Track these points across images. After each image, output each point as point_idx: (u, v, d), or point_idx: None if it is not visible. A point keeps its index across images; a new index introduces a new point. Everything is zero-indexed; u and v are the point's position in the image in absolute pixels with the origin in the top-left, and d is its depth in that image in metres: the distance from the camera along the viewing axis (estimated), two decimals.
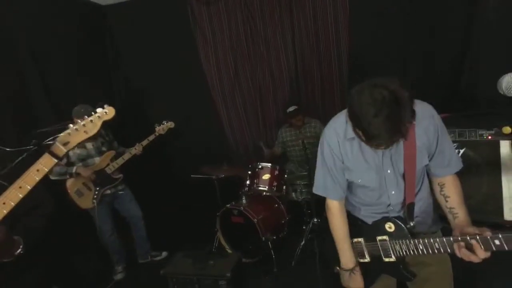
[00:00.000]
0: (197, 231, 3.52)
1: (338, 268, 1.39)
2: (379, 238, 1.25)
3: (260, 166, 2.91)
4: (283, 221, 3.02)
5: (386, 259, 1.24)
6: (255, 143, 3.86)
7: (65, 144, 1.03)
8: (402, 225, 1.21)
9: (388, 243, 1.23)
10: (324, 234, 1.47)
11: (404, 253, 1.19)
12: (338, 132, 1.25)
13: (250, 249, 2.86)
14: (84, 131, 1.06)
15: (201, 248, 3.03)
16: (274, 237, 2.88)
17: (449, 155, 1.22)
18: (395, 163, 1.21)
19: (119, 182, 2.97)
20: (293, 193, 3.02)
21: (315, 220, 2.82)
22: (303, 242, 2.79)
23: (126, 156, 2.92)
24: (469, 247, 1.02)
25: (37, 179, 0.98)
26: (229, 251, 3.00)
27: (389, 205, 1.27)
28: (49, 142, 1.03)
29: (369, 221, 1.33)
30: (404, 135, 1.00)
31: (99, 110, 1.10)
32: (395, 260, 1.22)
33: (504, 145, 1.44)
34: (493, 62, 1.96)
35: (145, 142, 2.99)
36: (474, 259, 1.01)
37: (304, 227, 3.10)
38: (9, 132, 2.75)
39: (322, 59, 3.51)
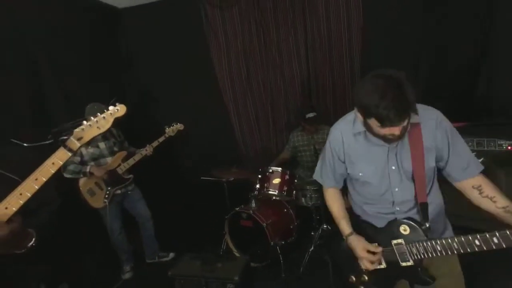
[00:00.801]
0: (204, 233, 3.53)
1: (353, 277, 1.38)
2: (394, 242, 1.24)
3: (270, 170, 2.91)
4: (291, 226, 3.01)
5: (404, 264, 1.22)
6: (266, 145, 3.87)
7: (79, 139, 1.07)
8: (417, 227, 1.20)
9: (405, 246, 1.21)
10: (336, 243, 1.46)
11: (422, 255, 1.18)
12: (343, 129, 1.35)
13: (258, 253, 2.85)
14: (97, 127, 1.11)
15: (208, 250, 3.03)
16: (283, 242, 2.87)
17: (467, 157, 1.23)
18: (400, 160, 1.25)
19: (129, 182, 3.00)
20: (303, 198, 3.00)
21: (325, 226, 2.80)
22: (312, 248, 2.77)
23: (137, 157, 2.95)
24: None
25: (52, 171, 1.03)
26: (237, 254, 2.99)
27: (393, 203, 1.27)
28: (64, 137, 1.06)
29: (379, 223, 1.32)
30: (414, 110, 1.08)
31: (111, 107, 1.14)
32: (413, 264, 1.20)
33: None
34: (510, 72, 1.93)
35: (155, 144, 3.01)
36: None
37: (312, 233, 3.07)
38: (27, 131, 2.81)
39: (334, 65, 3.52)
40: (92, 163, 2.83)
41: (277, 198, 2.96)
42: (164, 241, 3.35)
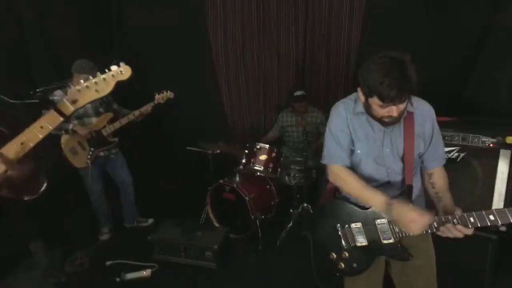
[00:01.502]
0: (185, 203, 3.55)
1: (333, 254, 1.45)
2: (378, 221, 1.31)
3: (258, 147, 2.93)
4: (272, 203, 3.09)
5: (385, 241, 1.30)
6: (255, 122, 3.87)
7: (73, 102, 0.91)
8: None
9: (387, 225, 1.30)
10: (318, 221, 1.52)
11: (403, 234, 1.26)
12: (346, 106, 1.39)
13: (238, 226, 2.92)
14: (96, 90, 0.93)
15: (188, 220, 3.06)
16: (263, 217, 2.95)
17: (440, 150, 1.38)
18: (395, 144, 1.33)
19: (113, 146, 2.94)
20: (286, 177, 3.07)
21: (305, 205, 2.90)
22: (291, 224, 2.87)
23: (124, 121, 2.87)
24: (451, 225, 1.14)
25: (40, 136, 0.90)
26: (217, 225, 3.05)
27: (388, 182, 1.36)
28: (56, 98, 0.96)
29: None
30: (414, 92, 1.18)
31: (113, 68, 0.94)
32: (393, 241, 1.29)
33: (503, 154, 1.51)
34: (502, 72, 2.01)
35: (143, 109, 2.93)
36: (458, 235, 1.14)
37: (291, 211, 3.18)
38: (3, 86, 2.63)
39: (331, 50, 3.51)
40: (76, 121, 2.73)
41: (262, 174, 3.01)
42: (144, 207, 3.35)
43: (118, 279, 2.42)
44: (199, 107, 3.75)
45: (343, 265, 1.43)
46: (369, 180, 1.37)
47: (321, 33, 3.49)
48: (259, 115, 3.88)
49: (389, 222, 1.30)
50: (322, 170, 3.14)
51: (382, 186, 1.37)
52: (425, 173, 1.42)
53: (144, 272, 2.48)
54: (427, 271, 1.40)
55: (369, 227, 1.34)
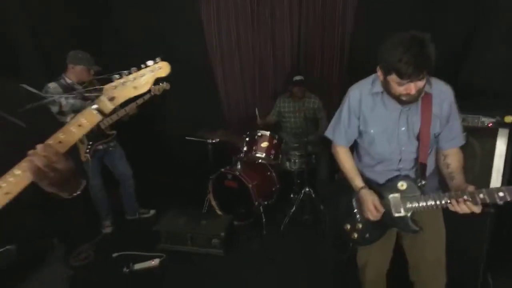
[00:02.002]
0: (186, 193, 3.57)
1: (348, 225, 1.53)
2: (390, 195, 1.39)
3: (259, 134, 2.96)
4: (273, 189, 3.15)
5: (396, 214, 1.37)
6: (251, 110, 3.87)
7: (111, 99, 0.84)
8: (413, 183, 1.36)
9: (400, 199, 1.37)
10: (335, 197, 1.60)
11: (414, 207, 1.33)
12: (362, 89, 1.44)
13: (241, 213, 2.97)
14: (134, 87, 0.85)
15: (190, 209, 3.08)
16: (265, 203, 3.01)
17: (456, 131, 1.40)
18: (411, 123, 1.37)
19: (112, 139, 2.90)
20: (287, 163, 3.12)
21: (307, 189, 2.96)
22: (294, 209, 2.94)
23: (121, 113, 2.82)
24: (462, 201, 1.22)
25: (78, 135, 0.83)
26: (219, 213, 3.09)
27: (399, 160, 1.41)
28: (95, 94, 0.90)
29: (382, 179, 1.46)
30: (431, 70, 1.19)
31: (150, 63, 0.86)
32: (404, 214, 1.36)
33: (501, 133, 1.60)
34: (496, 54, 2.09)
35: (140, 101, 2.89)
36: (466, 210, 1.22)
37: (292, 196, 3.25)
38: None
39: (326, 37, 3.52)
40: (72, 114, 2.67)
41: (263, 162, 3.05)
42: (145, 198, 3.35)
43: (126, 270, 2.44)
44: (195, 97, 3.72)
45: (356, 236, 1.52)
46: (381, 158, 1.44)
47: (316, 20, 3.49)
48: (255, 101, 3.88)
49: (401, 197, 1.36)
50: (320, 155, 3.23)
51: (399, 162, 1.42)
52: (440, 153, 1.44)
53: (153, 262, 2.51)
54: (436, 244, 1.48)
55: (383, 201, 1.41)
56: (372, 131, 1.43)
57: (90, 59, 2.72)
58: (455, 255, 1.56)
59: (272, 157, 2.94)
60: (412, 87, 1.22)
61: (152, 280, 2.39)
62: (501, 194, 1.14)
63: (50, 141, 0.82)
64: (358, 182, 1.48)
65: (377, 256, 1.58)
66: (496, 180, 1.65)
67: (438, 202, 1.28)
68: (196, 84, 3.72)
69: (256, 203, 2.86)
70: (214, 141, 3.17)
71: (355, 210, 1.53)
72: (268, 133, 2.96)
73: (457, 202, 1.22)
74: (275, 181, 3.16)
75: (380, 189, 1.44)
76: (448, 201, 1.25)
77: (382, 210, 1.41)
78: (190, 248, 2.65)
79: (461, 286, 1.82)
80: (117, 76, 0.86)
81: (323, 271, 2.36)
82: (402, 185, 1.37)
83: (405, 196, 1.36)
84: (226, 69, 3.80)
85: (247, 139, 3.01)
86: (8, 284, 0.93)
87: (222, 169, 3.02)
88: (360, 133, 1.50)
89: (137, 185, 3.20)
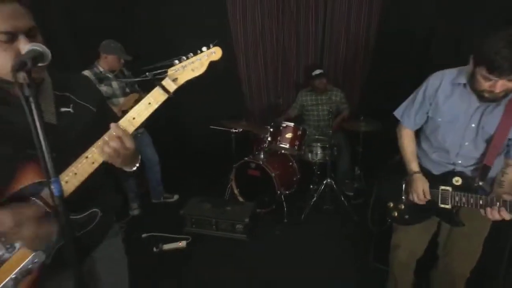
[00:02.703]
0: (209, 180, 3.69)
1: (391, 203, 1.62)
2: (442, 187, 1.43)
3: (284, 125, 3.03)
4: (295, 179, 3.23)
5: (442, 205, 1.42)
6: (273, 101, 3.95)
7: (174, 80, 0.97)
8: (470, 182, 1.38)
9: (450, 193, 1.40)
10: (385, 175, 1.70)
11: (463, 204, 1.37)
12: (443, 77, 1.42)
13: (264, 201, 3.07)
14: (192, 69, 0.97)
15: (212, 196, 3.19)
16: (287, 192, 3.10)
17: None
18: (484, 122, 1.34)
19: (140, 126, 3.01)
20: (309, 154, 3.18)
21: (329, 180, 3.04)
22: (315, 198, 3.02)
23: None
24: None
25: (148, 113, 0.96)
26: (241, 200, 3.20)
27: (457, 154, 1.42)
28: (159, 76, 0.99)
29: (436, 170, 1.50)
30: None
31: (204, 48, 0.97)
32: (450, 207, 1.41)
33: None
34: None
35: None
36: (497, 217, 1.27)
37: (311, 187, 3.33)
38: None
39: (351, 31, 3.53)
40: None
41: (286, 152, 3.13)
42: (170, 183, 3.48)
43: (156, 249, 2.58)
44: (219, 88, 3.78)
45: (396, 214, 1.60)
46: (439, 147, 1.46)
47: (341, 13, 3.50)
48: (277, 93, 3.94)
49: (452, 190, 1.40)
50: (342, 148, 3.29)
51: (456, 156, 1.43)
52: (505, 159, 1.40)
53: (180, 244, 2.64)
54: (474, 239, 1.52)
55: (433, 190, 1.45)
56: (439, 119, 1.43)
57: (121, 48, 2.81)
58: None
59: (296, 148, 3.01)
60: (498, 85, 1.17)
61: (179, 260, 2.52)
62: None
63: (123, 120, 0.92)
64: (414, 166, 1.52)
65: (413, 240, 1.64)
66: None
67: (484, 204, 1.31)
68: (220, 75, 3.79)
69: (278, 192, 2.95)
70: (237, 130, 3.26)
71: (403, 191, 1.59)
72: (292, 124, 3.03)
73: (490, 210, 1.27)
74: (297, 171, 3.24)
75: (433, 179, 1.47)
76: (482, 204, 1.29)
77: (428, 197, 1.44)
78: (215, 232, 2.77)
79: (484, 273, 1.88)
80: (176, 61, 0.98)
81: (342, 257, 2.46)
82: (457, 180, 1.40)
83: (457, 191, 1.39)
84: (250, 61, 3.86)
85: (271, 129, 3.08)
86: (85, 247, 1.05)
87: (246, 158, 3.11)
88: (426, 119, 1.52)
89: (162, 171, 3.33)
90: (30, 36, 0.85)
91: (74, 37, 3.09)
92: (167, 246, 2.61)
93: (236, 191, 3.23)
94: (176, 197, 3.48)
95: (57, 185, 0.78)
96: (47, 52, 0.82)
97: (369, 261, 2.32)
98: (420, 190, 1.46)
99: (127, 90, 2.94)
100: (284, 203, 2.98)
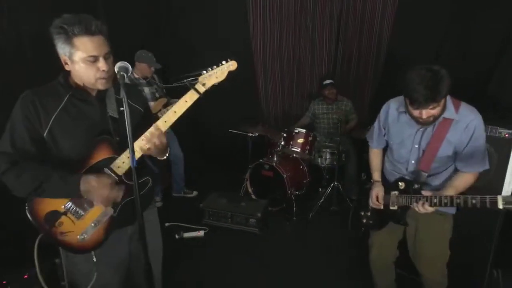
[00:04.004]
0: (225, 179, 4.00)
1: (362, 212, 1.89)
2: (392, 192, 1.70)
3: (296, 131, 3.31)
4: (304, 181, 3.49)
5: (392, 207, 1.69)
6: (287, 109, 4.24)
7: (203, 84, 1.28)
8: (409, 185, 1.64)
9: (396, 196, 1.67)
10: (364, 188, 1.94)
11: (404, 204, 1.62)
12: (392, 105, 1.70)
13: (275, 199, 3.34)
14: (216, 77, 1.27)
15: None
16: (297, 193, 3.37)
17: (476, 159, 1.53)
18: (423, 141, 1.60)
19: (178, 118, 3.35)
20: (319, 159, 3.45)
21: (336, 183, 3.30)
22: (322, 200, 3.27)
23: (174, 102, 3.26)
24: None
25: (185, 108, 1.27)
26: (254, 197, 3.48)
27: (407, 169, 1.69)
28: (193, 81, 1.31)
29: (392, 179, 1.77)
30: (438, 103, 1.37)
31: (224, 62, 1.28)
32: (396, 208, 1.67)
33: None
34: None
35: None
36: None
37: (320, 190, 3.58)
38: None
39: (362, 44, 3.78)
40: None
41: (297, 156, 3.40)
42: (190, 180, 3.80)
43: (177, 237, 2.89)
44: (238, 94, 4.11)
45: (364, 221, 1.88)
46: (395, 160, 1.74)
47: (354, 29, 3.77)
48: (291, 102, 4.24)
49: (399, 194, 1.66)
50: (350, 154, 3.54)
51: (406, 170, 1.70)
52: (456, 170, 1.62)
53: (199, 233, 2.95)
54: (433, 244, 1.70)
55: (386, 195, 1.73)
56: (391, 142, 1.73)
57: (152, 57, 3.17)
58: (464, 248, 1.82)
59: (306, 152, 3.29)
60: (423, 113, 1.42)
61: (198, 247, 2.82)
62: (473, 201, 1.37)
63: (166, 115, 1.26)
64: (375, 176, 1.83)
65: (382, 241, 1.87)
66: (507, 187, 1.91)
67: (414, 201, 1.55)
68: (240, 84, 4.12)
69: (289, 192, 3.22)
70: (253, 134, 3.56)
71: (369, 200, 1.83)
72: (304, 130, 3.31)
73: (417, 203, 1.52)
74: (307, 174, 3.50)
75: (389, 186, 1.74)
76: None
77: (381, 201, 1.72)
78: (230, 225, 3.06)
79: (469, 277, 2.09)
80: (204, 71, 1.31)
81: (345, 253, 2.70)
82: (401, 185, 1.67)
83: (401, 194, 1.65)
84: (267, 70, 4.17)
85: (284, 135, 3.37)
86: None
87: (260, 160, 3.40)
88: (386, 141, 1.81)
89: (184, 169, 3.66)
90: (106, 58, 1.21)
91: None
92: (187, 234, 2.92)
93: (250, 190, 3.52)
94: (195, 193, 3.80)
95: (133, 158, 1.10)
96: (129, 67, 1.16)
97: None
98: (375, 195, 1.73)
99: (157, 95, 3.30)
100: (294, 202, 3.25)
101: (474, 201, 1.38)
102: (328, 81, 3.64)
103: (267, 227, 3.08)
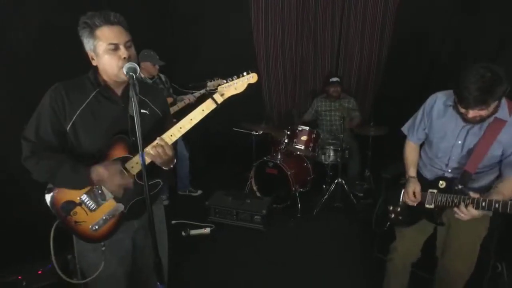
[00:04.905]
0: (229, 177, 4.05)
1: (391, 206, 1.85)
2: (430, 190, 1.66)
3: (300, 128, 3.35)
4: (308, 178, 3.52)
5: (427, 206, 1.65)
6: (288, 110, 4.27)
7: (222, 94, 1.29)
8: (452, 185, 1.59)
9: (435, 194, 1.63)
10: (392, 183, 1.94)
11: (443, 204, 1.57)
12: (439, 98, 1.62)
13: (280, 196, 3.38)
14: (235, 88, 1.30)
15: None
16: (301, 190, 3.40)
17: None
18: (468, 139, 1.52)
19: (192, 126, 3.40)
20: (322, 156, 3.48)
21: (340, 180, 3.32)
22: (326, 196, 3.31)
23: (181, 105, 3.31)
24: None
25: (202, 116, 1.30)
26: (258, 195, 3.52)
27: (447, 165, 1.63)
28: (212, 90, 1.33)
29: (430, 176, 1.72)
30: (488, 107, 1.31)
31: (245, 74, 1.32)
32: (433, 207, 1.64)
33: None
34: None
35: (197, 94, 3.37)
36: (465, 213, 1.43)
37: (324, 186, 3.61)
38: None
39: (365, 43, 3.81)
40: None
41: (301, 153, 3.44)
42: (195, 179, 3.85)
43: (184, 234, 2.95)
44: (241, 93, 4.15)
45: (392, 216, 1.83)
46: (432, 157, 1.69)
47: (356, 26, 3.79)
48: (294, 100, 4.27)
49: (437, 192, 1.61)
50: (353, 151, 3.56)
51: (446, 166, 1.63)
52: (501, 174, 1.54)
53: (205, 230, 3.00)
54: (468, 237, 1.66)
55: (423, 193, 1.69)
56: (432, 135, 1.65)
57: (154, 55, 3.19)
58: None
59: (310, 149, 3.32)
60: (470, 113, 1.36)
61: (204, 243, 2.87)
62: (496, 205, 1.34)
63: (183, 121, 1.29)
64: (411, 172, 1.75)
65: (408, 243, 1.81)
66: None
67: (457, 202, 1.47)
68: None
69: (293, 189, 3.26)
70: (257, 133, 3.60)
71: (401, 196, 1.80)
72: (307, 128, 3.35)
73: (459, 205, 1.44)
74: (310, 171, 3.53)
75: (426, 183, 1.70)
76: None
77: (419, 198, 1.66)
78: (235, 222, 3.11)
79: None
80: (224, 80, 1.34)
81: (349, 249, 2.73)
82: (442, 183, 1.63)
83: (441, 193, 1.61)
84: (270, 70, 4.21)
85: (288, 132, 3.40)
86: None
87: (265, 157, 3.44)
88: (426, 134, 1.74)
89: (189, 167, 3.71)
90: (127, 46, 1.24)
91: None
92: (193, 232, 2.97)
93: (254, 187, 3.56)
94: (199, 192, 3.84)
95: (142, 157, 1.14)
96: (137, 67, 1.21)
97: (373, 253, 2.58)
98: (411, 191, 1.68)
99: (164, 94, 3.35)
100: (298, 199, 3.28)
101: None
102: (334, 79, 3.67)
103: (272, 223, 3.12)
